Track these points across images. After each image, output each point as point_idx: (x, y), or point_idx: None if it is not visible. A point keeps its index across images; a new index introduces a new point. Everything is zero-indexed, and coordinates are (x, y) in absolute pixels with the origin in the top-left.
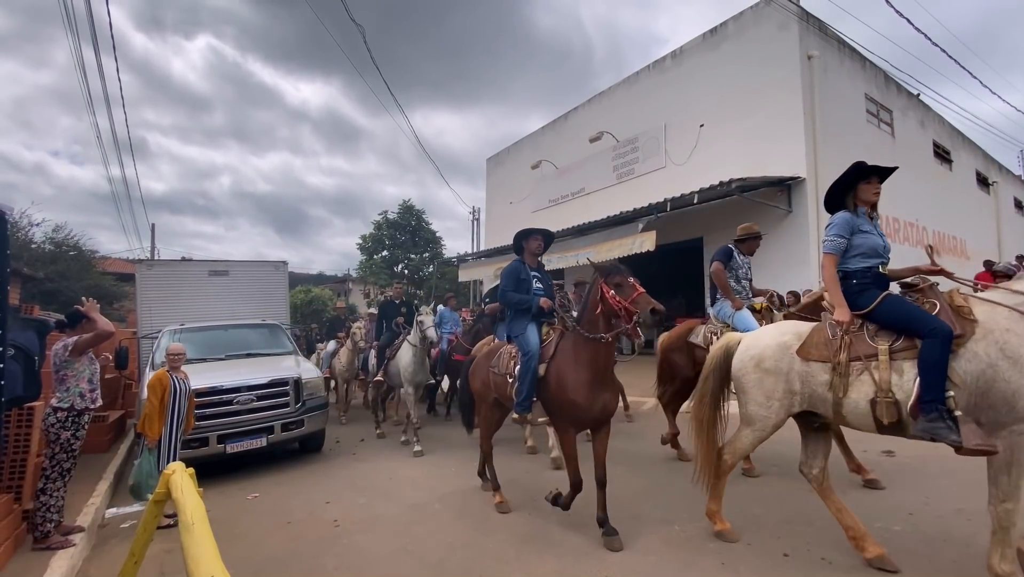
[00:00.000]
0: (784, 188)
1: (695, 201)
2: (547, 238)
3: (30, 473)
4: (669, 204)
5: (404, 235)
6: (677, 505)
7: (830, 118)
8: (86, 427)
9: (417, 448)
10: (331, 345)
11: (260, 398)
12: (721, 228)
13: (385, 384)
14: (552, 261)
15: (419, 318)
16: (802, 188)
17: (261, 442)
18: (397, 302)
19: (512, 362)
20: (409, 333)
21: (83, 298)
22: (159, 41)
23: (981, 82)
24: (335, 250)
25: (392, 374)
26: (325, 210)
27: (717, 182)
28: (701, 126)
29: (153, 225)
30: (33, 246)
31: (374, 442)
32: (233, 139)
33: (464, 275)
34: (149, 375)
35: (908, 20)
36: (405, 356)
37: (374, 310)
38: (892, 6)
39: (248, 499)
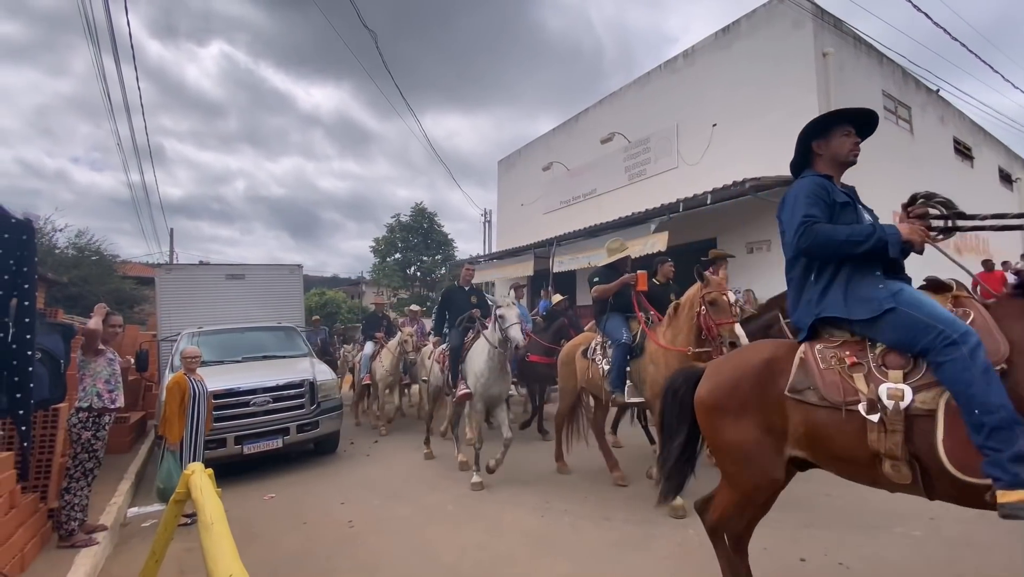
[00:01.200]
0: None
1: (708, 201)
2: (869, 122)
3: (55, 473)
4: (682, 205)
5: (416, 237)
6: (691, 509)
7: None
8: (107, 428)
9: (476, 478)
10: (369, 347)
11: (276, 400)
12: (735, 228)
13: (469, 398)
14: (563, 263)
15: (499, 311)
16: None
17: (277, 443)
18: (466, 288)
19: (907, 368)
20: (486, 329)
21: (98, 305)
22: (173, 48)
23: (1003, 76)
24: (348, 253)
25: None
26: (338, 213)
27: (731, 182)
28: (714, 126)
29: (172, 230)
30: (56, 251)
31: (387, 444)
32: (247, 144)
33: (476, 277)
34: (169, 377)
35: (926, 14)
36: (478, 360)
37: (416, 306)
38: (909, 0)
39: (264, 500)
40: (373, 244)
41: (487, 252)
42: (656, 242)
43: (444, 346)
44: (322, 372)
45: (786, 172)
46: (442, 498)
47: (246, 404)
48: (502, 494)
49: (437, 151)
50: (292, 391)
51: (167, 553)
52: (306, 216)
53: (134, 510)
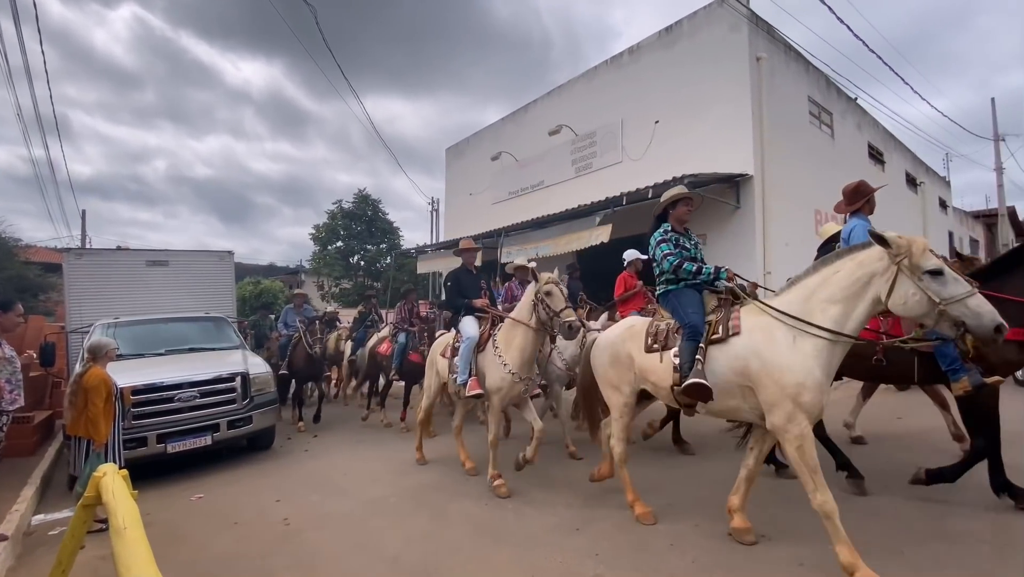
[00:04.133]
0: (733, 184)
1: (649, 196)
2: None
3: None
4: (625, 198)
5: (360, 225)
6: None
7: (776, 118)
8: (4, 429)
9: None
10: (470, 326)
11: (204, 395)
12: None
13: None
14: (511, 254)
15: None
16: (750, 185)
17: (206, 440)
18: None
19: None
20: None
21: None
22: (76, 9)
23: (912, 88)
24: (285, 240)
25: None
26: (272, 198)
27: (671, 177)
28: (656, 122)
29: (84, 212)
30: None
31: (328, 438)
32: (167, 119)
33: (423, 267)
34: (77, 372)
35: (847, 26)
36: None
37: (534, 264)
38: (832, 11)
39: (192, 500)
40: (313, 232)
41: (434, 241)
42: (600, 234)
43: None
44: (255, 365)
45: (722, 169)
46: (385, 491)
47: (170, 400)
48: (447, 485)
49: (380, 135)
50: (222, 385)
51: (80, 561)
52: (237, 200)
53: (39, 517)
